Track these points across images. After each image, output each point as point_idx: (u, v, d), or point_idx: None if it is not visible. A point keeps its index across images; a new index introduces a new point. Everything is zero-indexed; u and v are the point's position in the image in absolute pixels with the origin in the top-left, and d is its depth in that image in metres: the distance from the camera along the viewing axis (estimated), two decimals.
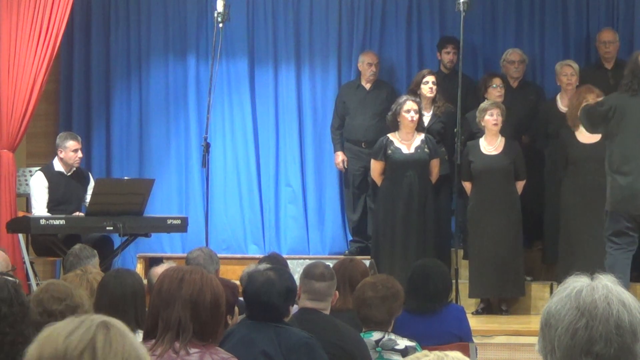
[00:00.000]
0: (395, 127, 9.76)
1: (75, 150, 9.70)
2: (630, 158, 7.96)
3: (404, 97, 9.80)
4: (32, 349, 2.44)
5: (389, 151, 9.71)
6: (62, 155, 9.68)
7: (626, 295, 2.28)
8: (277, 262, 6.47)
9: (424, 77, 10.11)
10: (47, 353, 2.43)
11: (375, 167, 9.88)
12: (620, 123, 7.98)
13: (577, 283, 2.28)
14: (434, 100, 10.09)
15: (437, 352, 2.28)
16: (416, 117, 9.66)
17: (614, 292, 2.26)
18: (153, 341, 4.12)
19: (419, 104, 9.73)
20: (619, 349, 2.20)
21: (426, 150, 9.73)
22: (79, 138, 9.90)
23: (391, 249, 9.62)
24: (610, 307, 2.22)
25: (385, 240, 9.68)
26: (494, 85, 9.99)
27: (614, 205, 8.05)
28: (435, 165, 9.79)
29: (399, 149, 9.71)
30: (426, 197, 9.70)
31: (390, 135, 9.78)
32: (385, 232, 9.70)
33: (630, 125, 7.97)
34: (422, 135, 9.77)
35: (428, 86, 10.05)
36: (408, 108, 9.65)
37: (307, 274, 5.35)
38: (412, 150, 9.71)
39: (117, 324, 2.49)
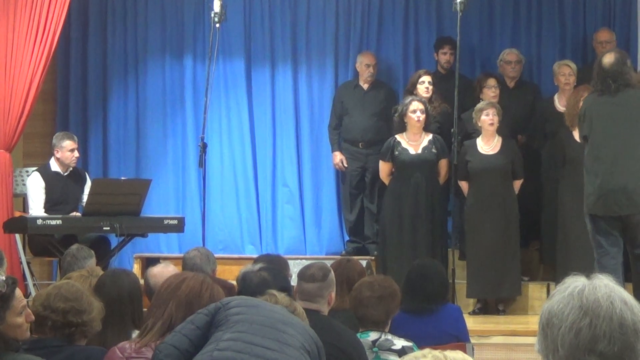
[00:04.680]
0: (402, 128, 9.75)
1: (72, 150, 9.69)
2: (600, 159, 7.92)
3: (410, 98, 9.78)
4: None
5: (396, 152, 9.69)
6: (58, 155, 9.67)
7: (627, 294, 2.27)
8: (277, 264, 6.43)
9: (419, 77, 10.11)
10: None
11: (383, 168, 9.87)
12: (592, 124, 7.97)
13: (577, 282, 2.27)
14: (430, 101, 10.07)
15: (436, 353, 2.27)
16: (422, 117, 9.65)
17: (615, 290, 2.26)
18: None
19: (425, 103, 9.73)
20: (622, 347, 2.20)
21: (434, 150, 9.71)
22: (76, 138, 9.89)
23: (398, 249, 9.58)
24: (613, 305, 2.22)
25: (392, 241, 9.65)
26: (489, 86, 9.99)
27: (590, 208, 8.04)
28: (443, 166, 9.77)
29: (406, 150, 9.69)
30: (433, 197, 9.68)
31: (398, 136, 9.76)
32: (392, 233, 9.67)
33: (599, 126, 7.95)
34: (429, 136, 9.76)
35: (424, 86, 10.04)
36: (414, 108, 9.64)
37: (300, 274, 5.35)
38: (419, 151, 9.70)
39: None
